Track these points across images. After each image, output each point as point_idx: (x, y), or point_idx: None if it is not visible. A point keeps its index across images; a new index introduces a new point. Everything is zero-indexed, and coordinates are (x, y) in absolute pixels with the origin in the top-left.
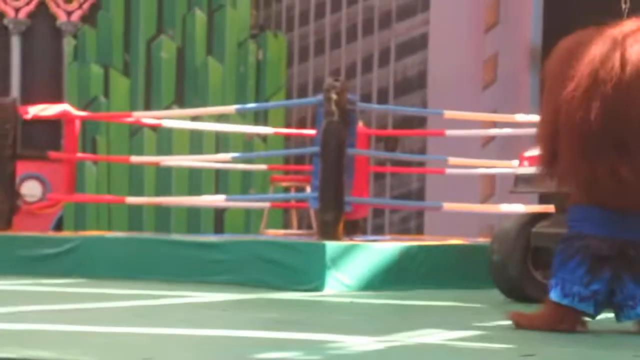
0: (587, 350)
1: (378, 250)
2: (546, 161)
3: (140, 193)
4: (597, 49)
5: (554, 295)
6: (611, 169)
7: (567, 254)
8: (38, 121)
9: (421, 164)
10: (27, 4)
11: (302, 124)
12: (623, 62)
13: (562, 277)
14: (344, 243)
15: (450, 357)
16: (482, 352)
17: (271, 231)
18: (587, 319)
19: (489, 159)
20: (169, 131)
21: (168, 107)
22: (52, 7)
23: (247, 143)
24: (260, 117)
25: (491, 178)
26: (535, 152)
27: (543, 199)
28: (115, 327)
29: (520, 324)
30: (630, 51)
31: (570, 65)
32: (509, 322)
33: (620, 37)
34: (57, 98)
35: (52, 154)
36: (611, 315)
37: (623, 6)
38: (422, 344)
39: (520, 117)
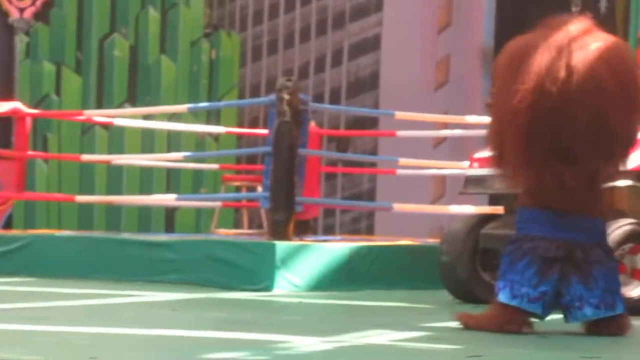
0: (534, 352)
1: (328, 251)
2: (496, 163)
3: (91, 191)
4: (543, 57)
5: (502, 297)
6: (557, 176)
7: (516, 255)
8: None
9: (372, 164)
10: None
11: (254, 124)
12: (569, 71)
13: (511, 278)
14: (294, 243)
15: (397, 357)
16: (430, 352)
17: (222, 231)
18: (534, 320)
19: (440, 160)
20: (121, 130)
21: (120, 106)
22: (5, 4)
23: (199, 142)
24: (212, 117)
25: (442, 179)
26: (485, 153)
27: (493, 200)
28: (63, 327)
29: (468, 325)
30: (575, 59)
31: (516, 72)
32: (457, 323)
33: (566, 43)
34: (8, 95)
35: (2, 151)
36: (558, 316)
37: (573, 9)
38: (370, 345)
39: (472, 119)
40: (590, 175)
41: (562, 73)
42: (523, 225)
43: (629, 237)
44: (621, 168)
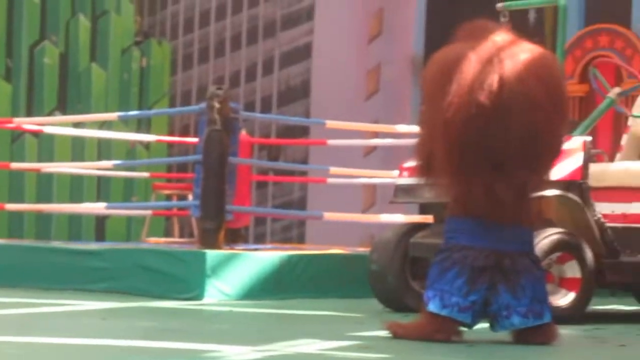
0: None
1: (259, 259)
2: (423, 173)
3: (20, 199)
4: (473, 68)
5: (432, 306)
6: (487, 187)
7: (445, 264)
8: None
9: (303, 173)
10: None
11: (185, 132)
12: (500, 83)
13: (441, 287)
14: (225, 252)
15: None
16: None
17: (153, 239)
18: (463, 329)
19: (370, 169)
20: (51, 137)
21: (50, 113)
22: None
23: (129, 150)
24: (143, 125)
25: (372, 188)
26: (414, 163)
27: (423, 210)
28: None
29: (398, 334)
30: (506, 70)
31: (447, 84)
32: (386, 332)
33: (495, 54)
34: None
35: None
36: (487, 325)
37: (502, 19)
38: (300, 354)
39: (402, 128)
40: (520, 186)
41: (494, 85)
42: (452, 235)
43: (557, 247)
44: (548, 178)
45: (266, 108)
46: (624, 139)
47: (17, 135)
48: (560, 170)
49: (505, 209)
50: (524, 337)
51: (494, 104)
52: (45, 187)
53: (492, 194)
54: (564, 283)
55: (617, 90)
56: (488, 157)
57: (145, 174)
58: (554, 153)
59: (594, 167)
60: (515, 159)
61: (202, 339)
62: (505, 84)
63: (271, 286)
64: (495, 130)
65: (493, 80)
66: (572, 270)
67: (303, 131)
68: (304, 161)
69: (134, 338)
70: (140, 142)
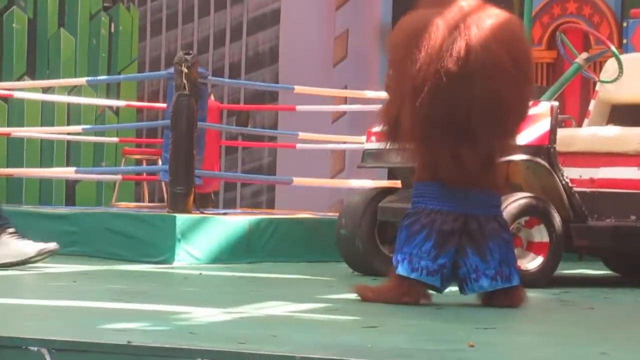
0: (430, 323)
1: (228, 223)
2: (390, 138)
3: None
4: (440, 35)
5: (401, 269)
6: (452, 153)
7: (413, 229)
8: None
9: (273, 138)
10: None
11: (154, 98)
12: (466, 49)
13: (409, 251)
14: (194, 216)
15: (295, 328)
16: (327, 323)
17: (123, 204)
18: (432, 292)
19: (339, 135)
20: (21, 102)
21: (19, 79)
22: None
23: (98, 116)
24: (112, 90)
25: (341, 153)
26: (380, 128)
27: (392, 174)
28: None
29: (366, 297)
30: (471, 37)
31: (414, 50)
32: (355, 295)
33: (461, 19)
34: None
35: None
36: (455, 288)
37: None
38: (269, 316)
39: (370, 94)
40: (486, 151)
41: (460, 52)
42: (419, 199)
43: (524, 211)
44: (516, 143)
45: (235, 74)
46: (592, 105)
47: None
48: (527, 135)
49: (471, 174)
50: (492, 299)
51: (459, 71)
52: (16, 151)
53: (458, 159)
54: (532, 247)
55: (584, 56)
56: (454, 124)
57: (115, 139)
58: (520, 118)
59: (561, 132)
60: (480, 125)
61: (172, 302)
62: (471, 51)
63: (241, 250)
64: (461, 97)
65: (460, 46)
66: (540, 234)
67: (272, 97)
68: (273, 127)
69: (105, 300)
70: (110, 107)
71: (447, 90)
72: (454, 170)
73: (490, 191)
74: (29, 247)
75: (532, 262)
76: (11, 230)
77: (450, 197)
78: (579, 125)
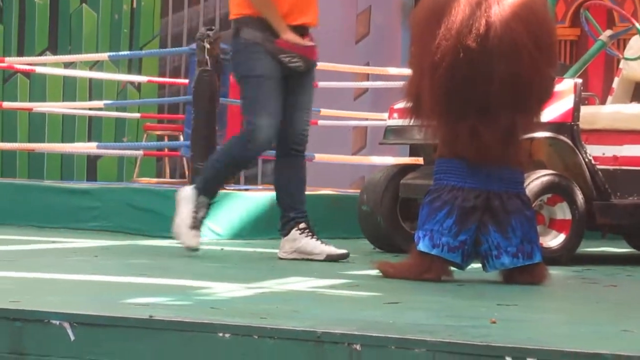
0: (451, 300)
1: (250, 199)
2: (412, 114)
3: (13, 139)
4: (462, 13)
5: (422, 246)
6: (472, 130)
7: (435, 205)
8: None
9: None
10: None
11: (176, 74)
12: (486, 27)
13: (430, 228)
14: None
15: (317, 303)
16: (349, 299)
17: (144, 179)
18: (454, 269)
19: (361, 112)
20: (43, 77)
21: (41, 54)
22: None
23: (120, 91)
24: (134, 66)
25: (363, 130)
26: (403, 104)
27: (414, 151)
28: None
29: (388, 273)
30: (492, 14)
31: (435, 28)
32: (376, 271)
33: None
34: None
35: None
36: (477, 265)
37: None
38: (290, 291)
39: (392, 70)
40: (507, 128)
41: (480, 29)
42: (441, 176)
43: (547, 188)
44: (539, 120)
45: None
46: (616, 82)
47: (9, 75)
48: (551, 112)
49: (491, 151)
50: (513, 276)
51: (479, 48)
52: (37, 126)
53: (478, 136)
54: (554, 225)
55: (608, 33)
56: (473, 101)
57: (137, 115)
58: (541, 95)
59: (585, 110)
60: (499, 102)
61: (194, 277)
62: (490, 28)
63: (262, 226)
64: (480, 74)
65: (480, 24)
66: (562, 212)
67: None
68: None
69: (127, 275)
70: (131, 83)
71: (465, 67)
72: (474, 147)
73: (513, 168)
74: (317, 249)
75: (554, 240)
76: (303, 225)
77: (472, 174)
78: (603, 102)
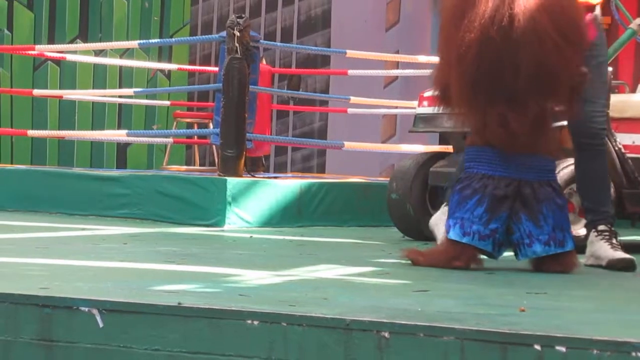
0: (481, 288)
1: (279, 187)
2: (441, 103)
3: (43, 127)
4: (487, 4)
5: (453, 234)
6: (500, 118)
7: (466, 193)
8: None
9: (324, 103)
10: None
11: (206, 62)
12: (509, 18)
13: (461, 216)
14: (245, 179)
15: (346, 291)
16: (378, 287)
17: (173, 167)
18: (484, 257)
19: (390, 99)
20: (73, 65)
21: (72, 42)
22: None
23: (150, 79)
24: (164, 53)
25: (392, 118)
26: (432, 92)
27: (443, 139)
28: (15, 258)
29: (417, 261)
30: (515, 5)
31: (461, 19)
32: (405, 260)
33: None
34: None
35: None
36: (507, 254)
37: None
38: (319, 279)
39: (422, 58)
40: (536, 117)
41: (503, 19)
42: (472, 164)
43: None
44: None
45: (287, 38)
46: None
47: (40, 62)
48: None
49: (521, 139)
50: (543, 265)
51: (504, 39)
52: (67, 114)
53: (506, 125)
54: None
55: (638, 21)
56: (500, 89)
57: (166, 103)
58: (571, 85)
59: (615, 98)
60: (527, 92)
61: (223, 264)
62: (514, 19)
63: (291, 214)
64: (505, 63)
65: (503, 14)
66: None
67: (323, 61)
68: (325, 91)
69: (155, 262)
70: (161, 71)
71: (491, 57)
72: (503, 135)
73: (543, 156)
74: (606, 253)
75: (584, 228)
76: (602, 228)
77: (503, 162)
78: (633, 90)
